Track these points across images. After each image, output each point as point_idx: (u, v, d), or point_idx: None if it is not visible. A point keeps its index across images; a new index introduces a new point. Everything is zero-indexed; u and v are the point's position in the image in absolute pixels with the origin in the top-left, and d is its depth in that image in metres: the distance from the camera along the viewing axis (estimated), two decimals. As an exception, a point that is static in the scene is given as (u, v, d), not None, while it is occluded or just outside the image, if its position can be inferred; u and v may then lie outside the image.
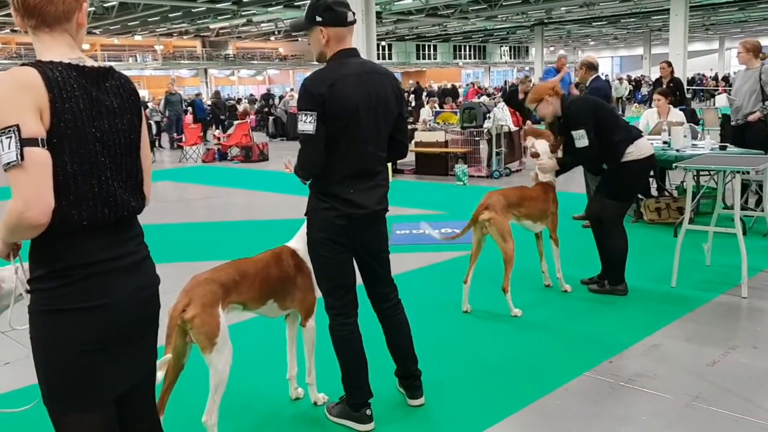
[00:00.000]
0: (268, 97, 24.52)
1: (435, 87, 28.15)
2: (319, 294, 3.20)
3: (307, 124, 2.81)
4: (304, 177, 2.99)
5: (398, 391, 3.42)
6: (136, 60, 42.67)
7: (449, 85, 27.35)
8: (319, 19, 2.87)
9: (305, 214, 3.06)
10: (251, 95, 34.59)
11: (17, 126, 1.57)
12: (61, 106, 1.66)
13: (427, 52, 55.62)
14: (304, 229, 3.22)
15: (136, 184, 1.88)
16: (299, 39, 47.04)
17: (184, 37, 43.91)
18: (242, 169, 14.24)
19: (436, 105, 18.93)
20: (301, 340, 3.33)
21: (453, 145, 11.74)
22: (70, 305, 1.73)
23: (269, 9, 29.54)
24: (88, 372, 1.77)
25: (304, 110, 2.82)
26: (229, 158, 15.52)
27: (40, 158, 1.60)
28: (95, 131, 1.73)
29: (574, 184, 8.41)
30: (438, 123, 12.87)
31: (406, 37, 49.10)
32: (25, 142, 1.58)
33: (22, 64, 1.69)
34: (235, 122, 16.92)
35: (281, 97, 22.98)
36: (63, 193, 1.67)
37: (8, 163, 1.58)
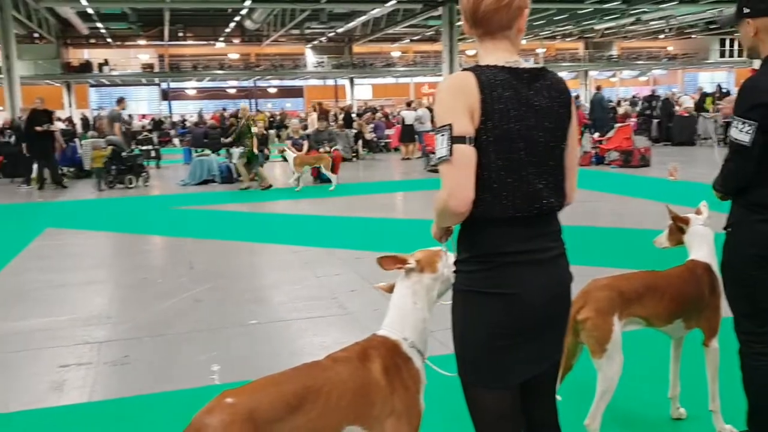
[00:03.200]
0: (651, 98, 23.08)
1: None
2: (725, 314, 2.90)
3: (743, 133, 2.52)
4: (725, 191, 2.71)
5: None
6: (520, 64, 44.40)
7: None
8: (746, 10, 2.59)
9: (725, 228, 2.76)
10: (634, 97, 33.17)
11: (450, 125, 1.77)
12: (490, 106, 1.79)
13: None
14: (706, 241, 3.02)
15: (557, 182, 1.92)
16: (693, 36, 43.39)
17: (567, 39, 44.25)
18: (620, 174, 13.75)
19: None
20: (695, 361, 3.08)
21: None
22: (486, 289, 1.87)
23: (661, 6, 27.92)
24: (496, 353, 1.89)
25: (743, 118, 2.53)
26: (606, 162, 15.11)
27: (466, 154, 1.77)
28: (520, 130, 1.82)
29: None
30: None
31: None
32: (454, 140, 1.76)
33: (463, 69, 1.88)
34: (616, 125, 16.39)
35: (666, 100, 21.40)
36: (486, 186, 1.81)
37: (440, 158, 1.78)
